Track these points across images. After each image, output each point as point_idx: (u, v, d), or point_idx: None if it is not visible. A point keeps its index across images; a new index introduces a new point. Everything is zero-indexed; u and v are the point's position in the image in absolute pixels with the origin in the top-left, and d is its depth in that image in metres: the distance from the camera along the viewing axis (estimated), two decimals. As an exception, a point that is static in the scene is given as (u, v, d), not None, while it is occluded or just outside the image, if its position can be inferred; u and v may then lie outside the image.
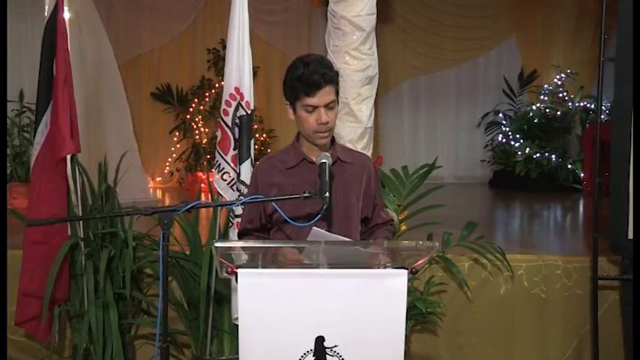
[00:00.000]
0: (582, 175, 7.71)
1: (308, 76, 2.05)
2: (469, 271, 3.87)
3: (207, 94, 8.07)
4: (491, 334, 3.87)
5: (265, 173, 2.22)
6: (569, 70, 8.50)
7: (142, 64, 8.22)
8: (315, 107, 2.07)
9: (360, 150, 4.39)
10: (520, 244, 4.96)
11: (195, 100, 8.08)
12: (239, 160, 3.20)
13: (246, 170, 3.16)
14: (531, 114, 8.44)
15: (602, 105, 3.67)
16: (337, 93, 2.13)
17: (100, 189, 3.56)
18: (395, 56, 8.68)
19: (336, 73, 2.13)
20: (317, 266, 1.90)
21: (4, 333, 2.98)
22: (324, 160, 2.05)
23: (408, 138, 9.15)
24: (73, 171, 3.44)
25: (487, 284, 3.89)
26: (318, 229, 2.04)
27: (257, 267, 1.86)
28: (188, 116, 8.04)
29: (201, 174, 7.71)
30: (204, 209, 4.81)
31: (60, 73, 3.16)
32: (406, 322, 1.86)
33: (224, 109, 3.20)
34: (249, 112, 3.20)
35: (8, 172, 6.02)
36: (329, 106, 2.09)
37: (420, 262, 1.87)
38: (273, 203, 2.04)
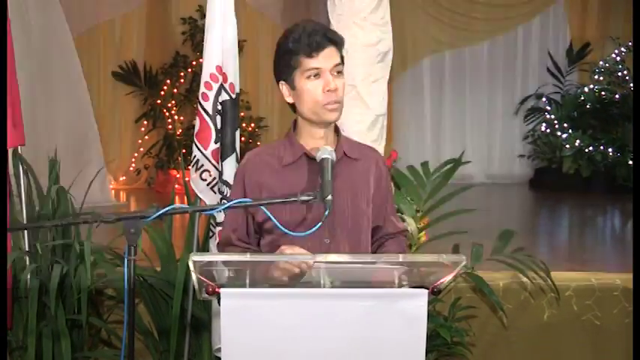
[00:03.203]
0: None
1: (308, 35, 2.10)
2: (505, 291, 3.89)
3: (182, 73, 8.08)
4: (532, 369, 3.90)
5: (254, 171, 2.22)
6: (630, 43, 8.50)
7: (100, 37, 8.22)
8: (319, 72, 2.11)
9: (369, 143, 4.42)
10: (568, 258, 4.98)
11: (168, 81, 8.10)
12: (221, 155, 3.21)
13: (230, 168, 3.18)
14: (583, 98, 8.46)
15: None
16: (342, 60, 2.17)
17: (49, 191, 3.58)
18: (414, 27, 8.70)
19: (341, 36, 2.18)
20: (318, 285, 1.92)
21: (4, 333, 3.00)
22: (325, 156, 2.06)
23: (429, 128, 9.17)
24: (16, 168, 3.45)
25: (527, 308, 3.91)
26: None
27: (244, 286, 1.88)
28: (159, 101, 8.06)
29: (174, 172, 7.73)
30: (179, 216, 4.82)
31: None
32: (427, 355, 1.87)
33: (203, 93, 3.22)
34: (233, 96, 3.22)
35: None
36: (336, 70, 2.13)
37: (443, 280, 1.88)
38: (265, 209, 2.03)
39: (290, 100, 2.19)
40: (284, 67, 2.15)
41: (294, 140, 2.22)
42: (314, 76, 2.11)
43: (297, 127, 2.23)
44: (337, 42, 2.14)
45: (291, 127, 2.26)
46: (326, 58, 2.11)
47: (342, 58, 2.16)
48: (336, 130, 2.25)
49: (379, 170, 2.29)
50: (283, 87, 2.19)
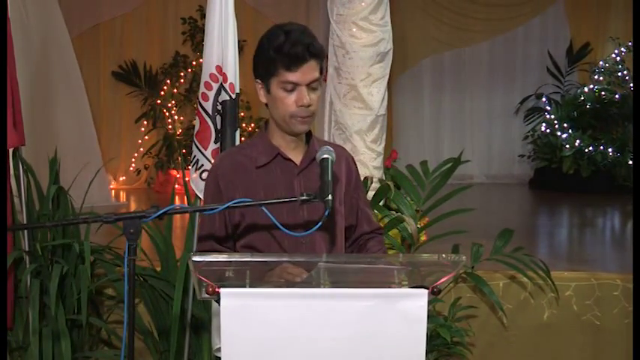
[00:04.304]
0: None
1: (290, 46, 2.07)
2: (504, 291, 3.89)
3: (182, 73, 8.10)
4: (532, 369, 3.90)
5: (228, 172, 2.20)
6: (630, 43, 8.50)
7: (100, 37, 8.25)
8: (295, 85, 2.10)
9: (369, 143, 4.43)
10: (568, 258, 4.98)
11: (168, 81, 8.11)
12: (221, 155, 3.22)
13: (229, 168, 3.18)
14: (583, 98, 8.46)
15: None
16: (322, 71, 2.16)
17: (49, 191, 3.58)
18: (413, 27, 8.70)
19: (322, 47, 2.16)
20: (318, 285, 1.92)
21: (4, 333, 3.00)
22: (325, 156, 2.06)
23: (428, 128, 9.18)
24: (16, 168, 3.45)
25: (527, 308, 3.91)
26: None
27: (244, 286, 1.88)
28: (159, 101, 8.06)
29: (174, 172, 7.74)
30: (179, 216, 4.83)
31: (-1, 49, 3.17)
32: (427, 355, 1.87)
33: (203, 93, 3.22)
34: (233, 96, 3.22)
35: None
36: (312, 86, 2.12)
37: (443, 280, 1.88)
38: (266, 210, 2.02)
39: (264, 100, 2.18)
40: (263, 69, 2.14)
41: (267, 141, 2.21)
42: (289, 89, 2.10)
43: (270, 127, 2.23)
44: (319, 56, 2.12)
45: (263, 127, 2.25)
46: (304, 73, 2.08)
47: (321, 69, 2.14)
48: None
49: (349, 168, 2.30)
50: (259, 86, 2.17)
